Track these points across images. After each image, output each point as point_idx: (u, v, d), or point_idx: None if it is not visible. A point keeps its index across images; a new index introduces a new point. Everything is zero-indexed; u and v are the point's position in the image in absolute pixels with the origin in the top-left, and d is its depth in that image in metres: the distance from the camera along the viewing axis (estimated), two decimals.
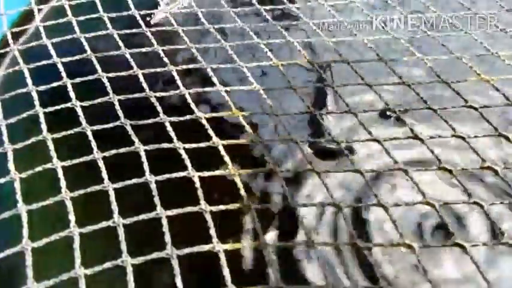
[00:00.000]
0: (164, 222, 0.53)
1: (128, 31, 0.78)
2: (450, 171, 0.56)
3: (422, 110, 0.65)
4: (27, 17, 0.87)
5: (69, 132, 0.63)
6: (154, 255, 0.51)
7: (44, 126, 0.63)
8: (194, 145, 0.62)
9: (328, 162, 0.77)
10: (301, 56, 0.73)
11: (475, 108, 0.63)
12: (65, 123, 0.64)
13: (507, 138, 0.60)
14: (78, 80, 0.69)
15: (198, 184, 0.57)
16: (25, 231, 0.52)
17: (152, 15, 0.94)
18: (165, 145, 0.62)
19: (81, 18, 0.80)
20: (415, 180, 0.55)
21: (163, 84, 0.77)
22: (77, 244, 0.51)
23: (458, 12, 0.83)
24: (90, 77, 0.70)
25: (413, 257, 0.47)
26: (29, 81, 0.69)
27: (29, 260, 0.50)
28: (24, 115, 0.65)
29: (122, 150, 0.61)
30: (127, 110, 0.67)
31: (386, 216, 0.52)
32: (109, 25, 0.78)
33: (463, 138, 0.59)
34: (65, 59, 0.72)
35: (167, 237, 0.52)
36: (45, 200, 0.55)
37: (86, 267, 0.49)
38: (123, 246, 0.51)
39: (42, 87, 0.68)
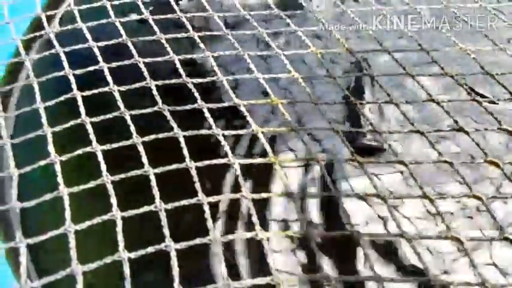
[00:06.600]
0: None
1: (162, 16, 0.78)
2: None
3: None
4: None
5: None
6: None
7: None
8: (234, 132, 0.61)
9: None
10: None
11: None
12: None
13: None
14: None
15: (238, 171, 0.56)
16: (67, 214, 0.53)
17: None
18: (204, 131, 0.61)
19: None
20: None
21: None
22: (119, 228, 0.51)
23: None
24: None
25: None
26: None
27: (72, 242, 0.50)
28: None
29: (161, 135, 0.60)
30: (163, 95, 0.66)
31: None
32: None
33: None
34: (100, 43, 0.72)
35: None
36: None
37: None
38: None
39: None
